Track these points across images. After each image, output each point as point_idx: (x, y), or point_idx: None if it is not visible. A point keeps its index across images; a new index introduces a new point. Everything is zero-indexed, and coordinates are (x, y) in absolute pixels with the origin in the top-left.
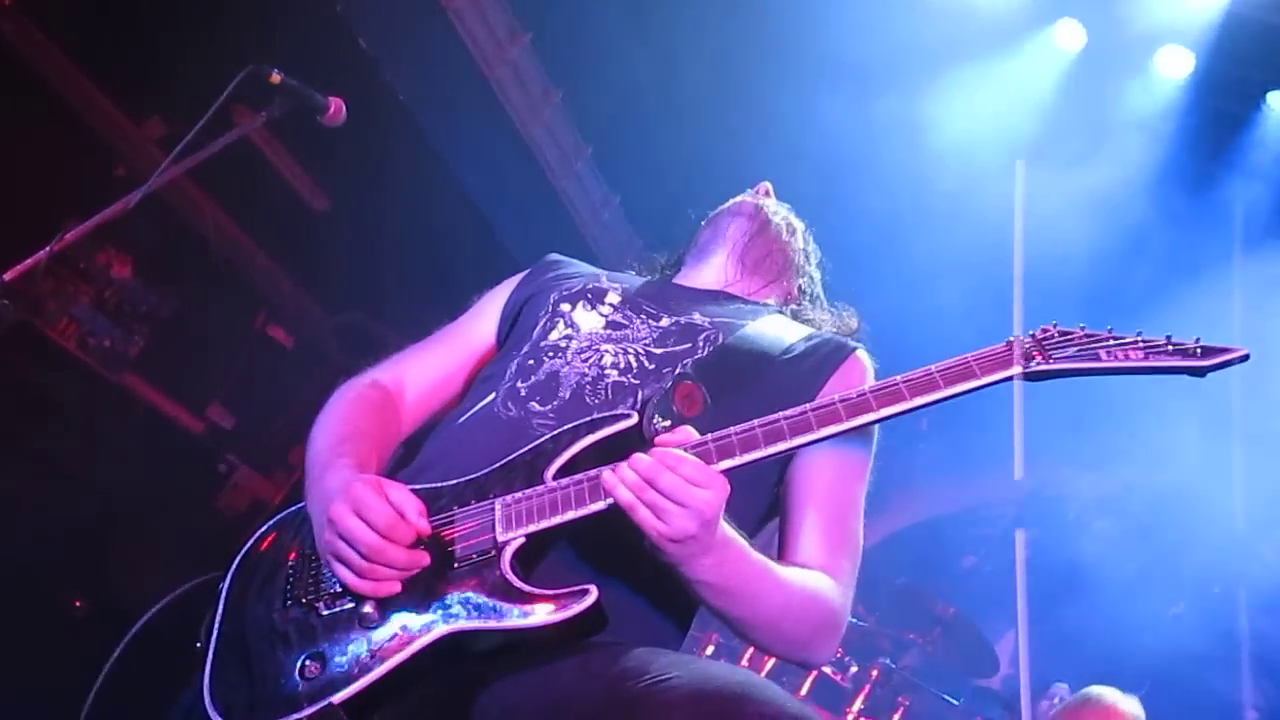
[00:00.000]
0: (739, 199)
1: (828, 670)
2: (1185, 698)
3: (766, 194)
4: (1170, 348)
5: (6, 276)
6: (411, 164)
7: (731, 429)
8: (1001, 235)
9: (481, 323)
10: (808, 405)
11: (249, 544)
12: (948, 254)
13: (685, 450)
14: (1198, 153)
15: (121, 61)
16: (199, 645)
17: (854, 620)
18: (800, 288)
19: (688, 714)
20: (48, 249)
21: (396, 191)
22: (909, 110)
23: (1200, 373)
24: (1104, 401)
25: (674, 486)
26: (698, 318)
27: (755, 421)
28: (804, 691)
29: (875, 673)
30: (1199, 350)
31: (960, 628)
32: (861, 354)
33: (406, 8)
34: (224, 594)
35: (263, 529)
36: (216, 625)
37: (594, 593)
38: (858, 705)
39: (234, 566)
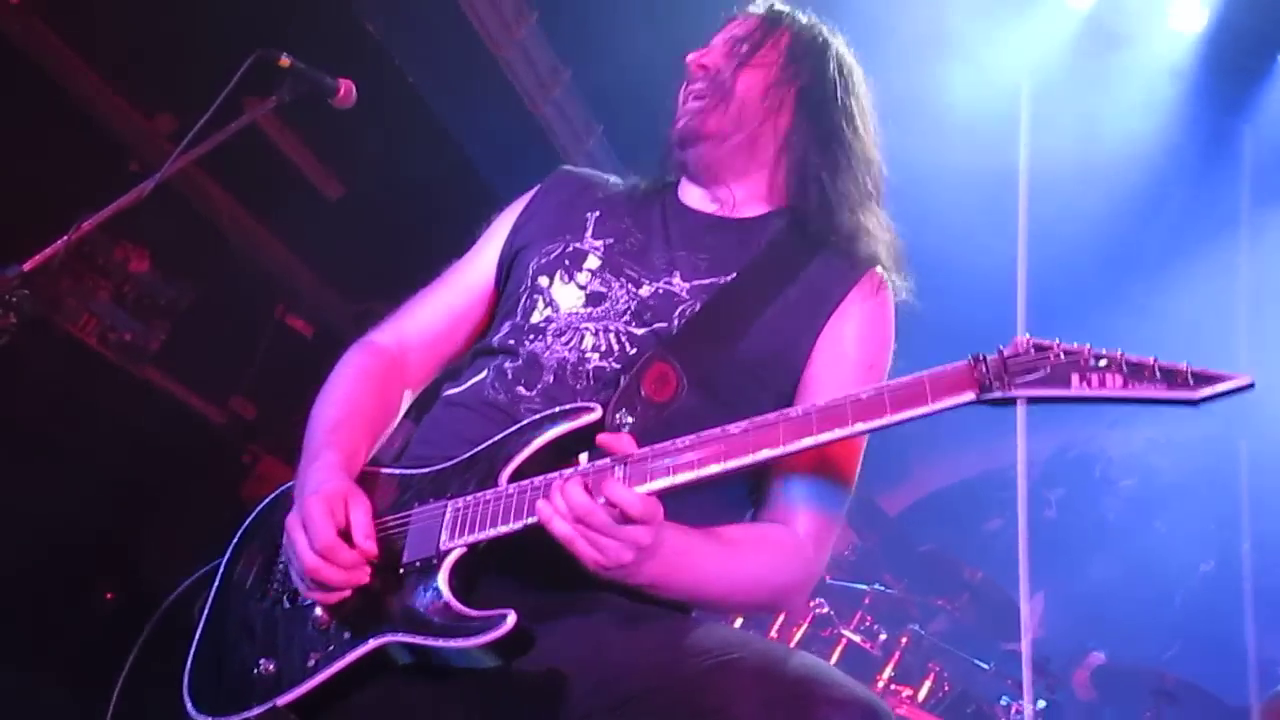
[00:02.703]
0: (678, 111)
1: (856, 638)
2: (1216, 656)
3: (700, 75)
4: (1157, 372)
5: (25, 266)
6: (424, 148)
7: (670, 445)
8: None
9: (482, 261)
10: (749, 424)
11: (252, 517)
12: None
13: (625, 462)
14: (1211, 107)
15: (131, 57)
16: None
17: (881, 588)
18: (789, 167)
19: (758, 696)
20: (65, 238)
21: (410, 177)
22: (913, 64)
23: (1193, 404)
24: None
25: (607, 524)
26: (677, 282)
27: (689, 440)
28: (834, 660)
29: (904, 640)
30: (1190, 377)
31: (988, 592)
32: (874, 278)
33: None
34: (223, 568)
35: (266, 501)
36: (210, 601)
37: (512, 618)
38: (888, 673)
39: (236, 539)
